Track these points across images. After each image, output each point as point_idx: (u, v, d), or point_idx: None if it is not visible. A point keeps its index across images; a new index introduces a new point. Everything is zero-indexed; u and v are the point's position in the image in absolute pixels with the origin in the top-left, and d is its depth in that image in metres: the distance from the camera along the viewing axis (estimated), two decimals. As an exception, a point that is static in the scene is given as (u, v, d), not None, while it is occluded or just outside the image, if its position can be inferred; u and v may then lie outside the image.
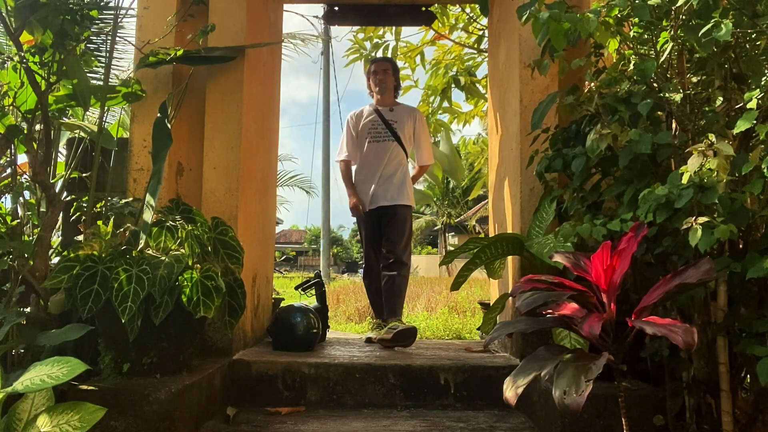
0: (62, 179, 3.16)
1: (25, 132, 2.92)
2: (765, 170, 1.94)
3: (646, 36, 2.54)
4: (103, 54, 3.46)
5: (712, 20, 2.12)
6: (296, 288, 4.63)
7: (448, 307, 8.39)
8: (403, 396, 3.17)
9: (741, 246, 2.24)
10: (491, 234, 4.07)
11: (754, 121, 2.02)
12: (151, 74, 3.45)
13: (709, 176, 2.02)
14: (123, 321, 2.41)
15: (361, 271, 5.35)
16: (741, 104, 2.29)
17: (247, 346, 3.63)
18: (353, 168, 4.72)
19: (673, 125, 2.45)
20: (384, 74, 4.69)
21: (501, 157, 3.89)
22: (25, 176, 3.09)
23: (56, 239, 3.29)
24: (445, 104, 6.76)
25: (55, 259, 2.99)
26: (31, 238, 3.02)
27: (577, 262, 2.11)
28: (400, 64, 6.26)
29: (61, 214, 3.06)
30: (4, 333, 2.39)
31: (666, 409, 2.39)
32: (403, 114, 4.67)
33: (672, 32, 2.38)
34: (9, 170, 3.05)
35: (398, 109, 4.69)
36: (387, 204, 4.47)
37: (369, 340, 4.22)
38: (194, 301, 2.57)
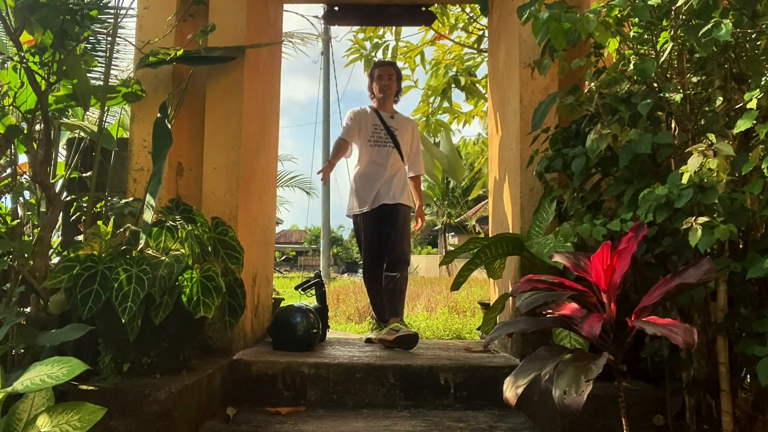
0: (62, 179, 3.16)
1: (25, 132, 2.92)
2: (765, 170, 1.94)
3: (646, 36, 2.54)
4: (103, 54, 3.46)
5: (712, 20, 2.12)
6: (296, 288, 4.63)
7: (448, 307, 8.39)
8: (403, 396, 3.17)
9: (741, 246, 2.24)
10: (491, 234, 4.07)
11: (754, 121, 2.02)
12: (151, 74, 3.45)
13: (709, 176, 2.02)
14: (123, 321, 2.41)
15: (360, 271, 5.35)
16: (741, 104, 2.29)
17: (247, 346, 3.63)
18: (355, 170, 4.72)
19: (673, 125, 2.45)
20: (389, 80, 4.71)
21: (501, 157, 3.89)
22: (25, 176, 3.09)
23: (56, 239, 3.29)
24: (445, 104, 6.77)
25: (55, 259, 2.98)
26: (31, 238, 3.02)
27: (577, 262, 2.11)
28: (400, 64, 6.26)
29: (61, 214, 3.06)
30: (4, 333, 2.39)
31: (666, 409, 2.39)
32: (403, 124, 4.75)
33: (672, 32, 2.38)
34: (9, 170, 3.05)
35: (398, 117, 4.76)
36: (389, 202, 4.49)
37: (369, 341, 4.22)
38: (194, 301, 2.57)
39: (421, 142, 5.28)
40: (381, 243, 4.50)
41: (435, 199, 28.99)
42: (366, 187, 4.59)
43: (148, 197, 2.73)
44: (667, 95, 2.34)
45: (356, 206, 4.65)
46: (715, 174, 2.02)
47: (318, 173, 4.75)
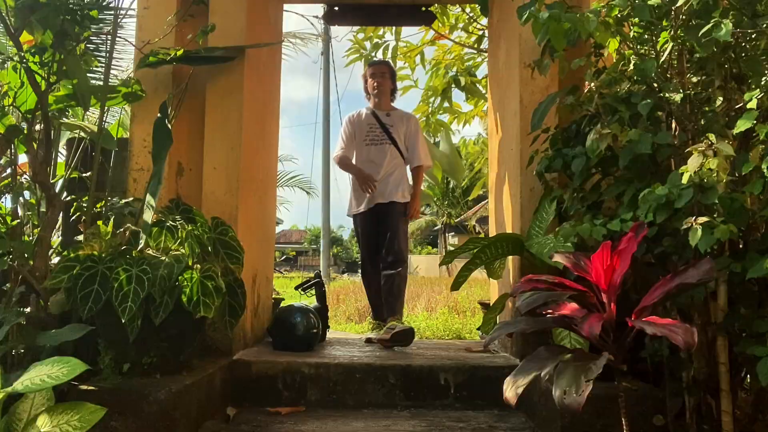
0: (62, 179, 3.15)
1: (25, 132, 2.92)
2: (765, 170, 1.94)
3: (646, 36, 2.53)
4: (103, 54, 3.46)
5: (712, 20, 2.12)
6: (296, 288, 4.63)
7: (448, 307, 8.38)
8: (403, 396, 3.16)
9: (741, 246, 2.24)
10: (491, 234, 4.07)
11: (754, 121, 2.02)
12: (151, 74, 3.45)
13: (709, 176, 2.02)
14: (123, 321, 2.41)
15: (360, 270, 5.37)
16: (741, 104, 2.28)
17: (248, 346, 3.62)
18: None
19: (673, 125, 2.44)
20: (381, 78, 4.70)
21: (501, 157, 3.89)
22: (25, 176, 3.09)
23: (56, 239, 3.29)
24: (446, 104, 6.76)
25: (55, 259, 2.98)
26: (31, 238, 3.01)
27: (577, 262, 2.11)
28: (399, 64, 6.26)
29: (61, 214, 3.06)
30: (5, 333, 2.39)
31: (666, 409, 2.38)
32: (399, 119, 4.71)
33: (672, 32, 2.38)
34: (9, 170, 3.05)
35: (394, 114, 4.73)
36: (384, 201, 4.49)
37: (369, 341, 4.21)
38: (194, 301, 2.57)
39: (421, 141, 5.25)
40: (378, 242, 4.50)
41: (435, 199, 28.97)
42: (360, 187, 4.59)
43: (148, 197, 2.73)
44: (667, 95, 2.33)
45: (354, 206, 4.66)
46: (715, 174, 2.02)
47: (370, 187, 4.51)
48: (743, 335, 2.15)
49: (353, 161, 4.69)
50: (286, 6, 4.72)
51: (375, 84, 4.69)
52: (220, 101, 3.54)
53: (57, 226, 3.20)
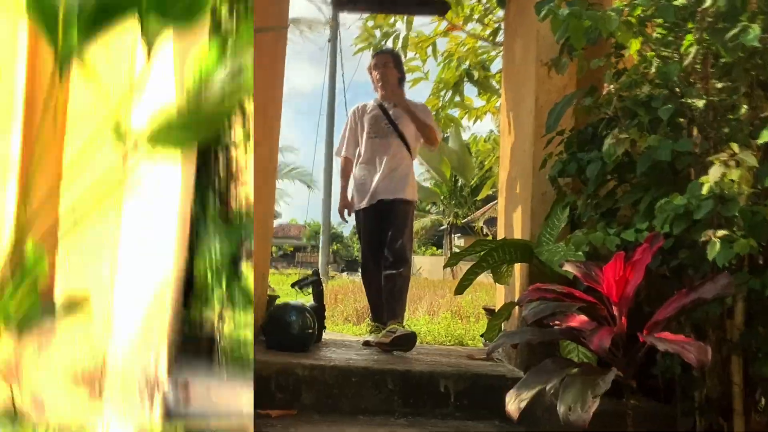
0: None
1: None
2: (790, 183, 1.87)
3: (669, 38, 2.47)
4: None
5: (740, 24, 2.05)
6: (292, 285, 4.53)
7: (450, 312, 8.30)
8: (402, 403, 3.07)
9: (761, 262, 2.17)
10: (500, 237, 3.98)
11: (781, 132, 1.95)
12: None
13: (730, 187, 1.95)
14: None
15: (360, 269, 5.29)
16: (766, 113, 2.22)
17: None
18: (356, 163, 4.62)
19: (695, 132, 2.37)
20: (384, 68, 4.54)
21: (513, 157, 3.80)
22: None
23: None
24: (457, 98, 6.64)
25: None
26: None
27: (588, 272, 2.08)
28: (410, 54, 6.12)
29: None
30: None
31: (676, 429, 2.32)
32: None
33: (697, 35, 2.29)
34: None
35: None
36: (387, 198, 4.36)
37: (367, 344, 4.10)
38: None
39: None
40: (380, 240, 4.39)
41: (442, 197, 28.89)
42: (364, 182, 4.47)
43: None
44: (689, 101, 2.26)
45: (356, 201, 4.55)
46: (737, 185, 1.95)
47: (343, 217, 4.70)
48: (759, 355, 2.09)
49: (357, 154, 4.58)
50: (295, -7, 4.64)
51: (378, 75, 4.55)
52: (224, 90, 3.46)
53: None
